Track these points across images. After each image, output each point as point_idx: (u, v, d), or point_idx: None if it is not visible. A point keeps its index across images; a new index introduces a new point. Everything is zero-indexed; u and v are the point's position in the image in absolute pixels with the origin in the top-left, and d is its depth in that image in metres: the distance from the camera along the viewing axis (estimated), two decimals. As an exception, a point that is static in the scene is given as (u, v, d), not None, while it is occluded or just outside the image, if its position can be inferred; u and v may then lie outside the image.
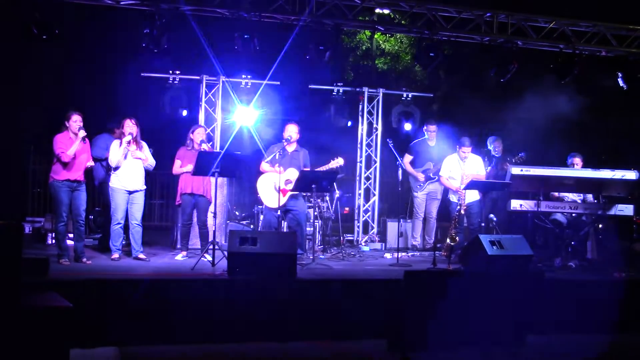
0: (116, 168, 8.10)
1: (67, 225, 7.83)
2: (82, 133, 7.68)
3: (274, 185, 8.41)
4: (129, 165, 8.14)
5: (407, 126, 11.29)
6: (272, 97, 10.69)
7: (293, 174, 8.47)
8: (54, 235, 8.97)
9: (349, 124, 11.30)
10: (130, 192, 8.15)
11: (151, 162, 8.30)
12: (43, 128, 10.37)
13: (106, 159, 8.46)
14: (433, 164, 10.12)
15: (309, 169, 8.64)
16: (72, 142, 7.67)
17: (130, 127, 8.10)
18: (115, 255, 8.06)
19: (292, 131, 8.68)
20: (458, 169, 9.27)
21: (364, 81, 12.14)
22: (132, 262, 7.98)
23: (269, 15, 9.19)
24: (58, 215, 7.73)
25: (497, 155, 9.98)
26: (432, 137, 10.32)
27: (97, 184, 9.28)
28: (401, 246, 9.43)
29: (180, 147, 8.76)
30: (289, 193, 8.49)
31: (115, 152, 8.11)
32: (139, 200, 8.23)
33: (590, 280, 7.91)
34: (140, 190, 8.25)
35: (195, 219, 8.80)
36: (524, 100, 11.60)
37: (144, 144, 8.32)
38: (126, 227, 8.26)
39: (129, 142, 8.09)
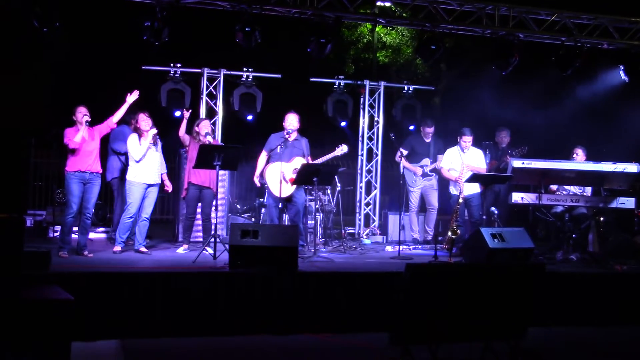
0: (138, 161, 8.07)
1: (76, 219, 7.82)
2: (86, 118, 7.72)
3: (282, 175, 8.40)
4: (149, 158, 8.14)
5: (410, 127, 11.25)
6: (273, 90, 10.66)
7: (299, 162, 8.48)
8: (56, 228, 8.99)
9: (343, 124, 11.23)
10: (149, 186, 8.16)
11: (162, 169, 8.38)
12: (44, 121, 10.38)
13: (125, 154, 8.42)
14: (430, 161, 10.10)
15: (310, 158, 8.66)
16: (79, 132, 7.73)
17: (146, 120, 8.12)
18: (117, 248, 8.07)
19: (292, 120, 8.68)
20: (459, 160, 9.25)
21: (365, 74, 12.12)
22: (134, 255, 7.98)
23: (270, 8, 9.16)
24: (68, 207, 7.75)
25: (502, 146, 9.96)
26: (428, 137, 10.30)
27: (110, 179, 9.14)
28: (403, 239, 9.43)
29: None
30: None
31: (138, 146, 8.06)
32: (154, 194, 8.24)
33: (591, 273, 7.91)
34: (157, 184, 8.27)
35: (199, 212, 8.80)
36: (526, 93, 11.59)
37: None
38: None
39: (154, 136, 8.13)
